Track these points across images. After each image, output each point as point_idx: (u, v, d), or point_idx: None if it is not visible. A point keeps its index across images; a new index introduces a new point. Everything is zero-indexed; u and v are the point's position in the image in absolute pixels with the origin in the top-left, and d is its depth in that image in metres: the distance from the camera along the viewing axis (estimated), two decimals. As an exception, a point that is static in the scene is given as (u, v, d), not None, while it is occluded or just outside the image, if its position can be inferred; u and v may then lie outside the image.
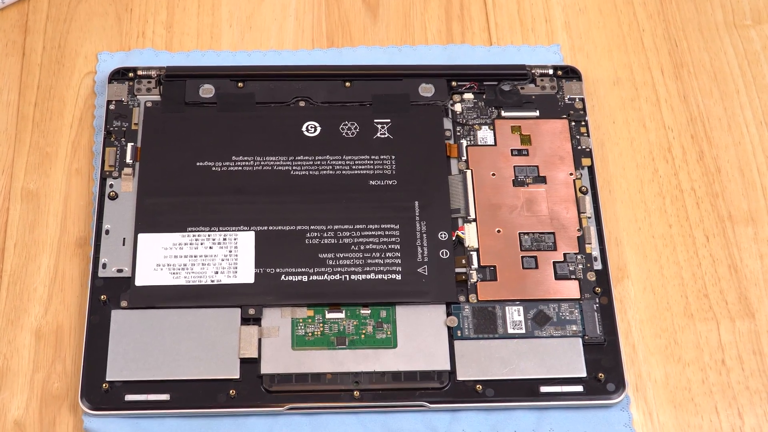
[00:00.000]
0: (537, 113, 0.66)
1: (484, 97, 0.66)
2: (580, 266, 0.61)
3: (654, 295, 0.62)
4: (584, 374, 0.58)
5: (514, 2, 0.72)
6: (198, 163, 0.62)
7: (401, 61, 0.69)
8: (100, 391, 0.56)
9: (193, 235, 0.60)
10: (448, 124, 0.65)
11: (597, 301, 0.60)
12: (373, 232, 0.61)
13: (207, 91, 0.66)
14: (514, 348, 0.58)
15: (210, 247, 0.60)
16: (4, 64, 0.68)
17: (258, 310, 0.59)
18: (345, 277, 0.60)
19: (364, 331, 0.59)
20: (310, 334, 0.58)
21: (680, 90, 0.69)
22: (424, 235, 0.61)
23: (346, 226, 0.61)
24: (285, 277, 0.59)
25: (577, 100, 0.66)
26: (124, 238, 0.61)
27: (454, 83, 0.67)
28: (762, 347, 0.60)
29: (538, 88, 0.67)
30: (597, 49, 0.71)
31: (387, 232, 0.61)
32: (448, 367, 0.57)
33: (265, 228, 0.61)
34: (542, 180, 0.64)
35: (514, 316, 0.59)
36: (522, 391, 0.57)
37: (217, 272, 0.59)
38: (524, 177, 0.64)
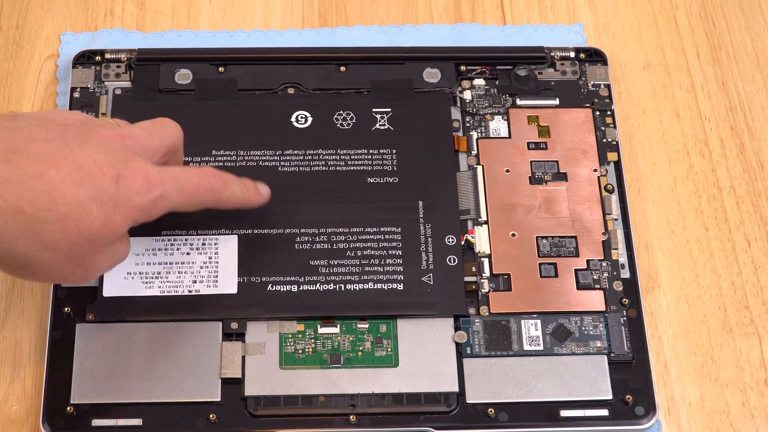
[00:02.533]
0: (557, 101, 0.66)
1: (497, 83, 0.67)
2: (606, 275, 0.61)
3: (689, 307, 0.62)
4: (610, 396, 0.58)
5: (531, -24, 0.72)
6: (174, 158, 0.63)
7: (403, 43, 0.69)
8: (64, 415, 0.57)
9: (168, 240, 0.60)
10: (456, 113, 0.66)
11: (624, 313, 0.60)
12: (372, 236, 0.61)
13: (183, 76, 0.66)
14: (531, 367, 0.58)
15: (187, 253, 0.60)
16: (-46, 45, 0.68)
17: (241, 324, 0.59)
18: (340, 287, 0.60)
19: (361, 348, 0.59)
20: (300, 352, 0.59)
21: (718, 75, 0.69)
22: (430, 240, 0.61)
23: (340, 230, 0.61)
24: (272, 286, 0.60)
25: (602, 86, 0.67)
26: (91, 243, 0.61)
27: (463, 68, 0.67)
28: (810, 366, 0.61)
29: (558, 73, 0.67)
30: (624, 29, 0.71)
31: (387, 236, 0.61)
32: (456, 389, 0.58)
33: (250, 231, 0.61)
34: (563, 177, 0.64)
35: (531, 330, 0.59)
36: (540, 415, 0.57)
37: (195, 281, 0.60)
38: (542, 173, 0.64)
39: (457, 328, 0.59)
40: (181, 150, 0.57)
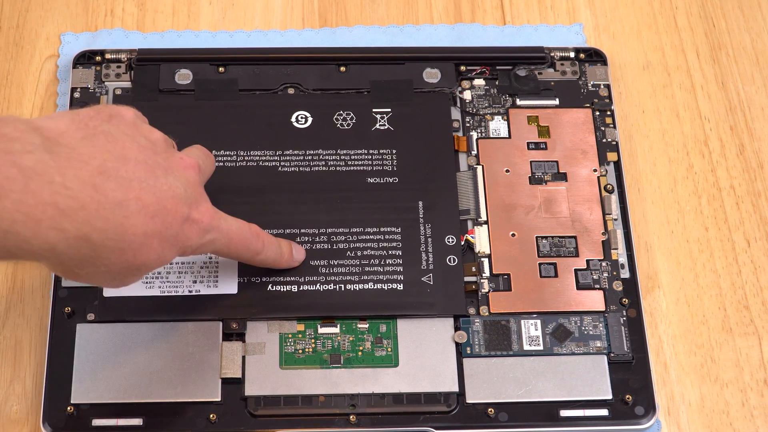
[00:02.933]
0: (557, 102, 0.66)
1: (496, 83, 0.67)
2: (605, 275, 0.61)
3: (688, 307, 0.62)
4: (610, 396, 0.58)
5: (531, -24, 0.72)
6: (174, 158, 0.63)
7: (403, 43, 0.69)
8: (65, 415, 0.57)
9: (169, 240, 0.61)
10: (456, 113, 0.66)
11: (624, 313, 0.60)
12: (372, 236, 0.61)
13: (184, 76, 0.66)
14: (531, 367, 0.59)
15: (188, 253, 0.60)
16: (-45, 46, 0.68)
17: (242, 324, 0.59)
18: (340, 287, 0.60)
19: (361, 348, 0.59)
20: (300, 351, 0.59)
21: (718, 75, 0.69)
22: (429, 240, 0.61)
23: (341, 230, 0.61)
24: (272, 287, 0.60)
25: (602, 86, 0.67)
26: (91, 243, 0.61)
27: (463, 68, 0.67)
28: (810, 366, 0.61)
29: (558, 73, 0.67)
30: (624, 29, 0.71)
31: (387, 236, 0.61)
32: (456, 389, 0.58)
33: (250, 231, 0.61)
34: (562, 177, 0.64)
35: (531, 330, 0.60)
36: (540, 415, 0.57)
37: (195, 281, 0.60)
38: (542, 174, 0.64)
39: (457, 328, 0.59)
40: None
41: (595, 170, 0.64)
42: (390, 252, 0.61)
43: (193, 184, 0.50)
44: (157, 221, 0.47)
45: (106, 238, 0.45)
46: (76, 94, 0.65)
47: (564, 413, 0.57)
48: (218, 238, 0.52)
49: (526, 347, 0.59)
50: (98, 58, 0.66)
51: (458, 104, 0.66)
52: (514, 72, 0.67)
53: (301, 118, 0.65)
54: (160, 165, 0.48)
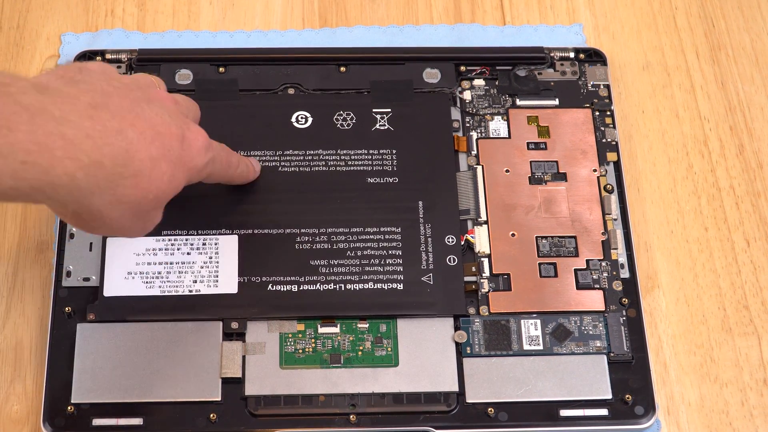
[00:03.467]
0: (556, 102, 0.66)
1: (496, 83, 0.67)
2: (605, 274, 0.61)
3: (688, 307, 0.62)
4: (610, 396, 0.58)
5: (531, -24, 0.72)
6: (174, 158, 0.63)
7: (403, 43, 0.69)
8: (65, 415, 0.57)
9: (169, 240, 0.61)
10: (456, 114, 0.66)
11: (624, 313, 0.60)
12: (372, 236, 0.61)
13: (184, 76, 0.66)
14: (531, 366, 0.59)
15: (188, 253, 0.60)
16: (-45, 46, 0.68)
17: (242, 324, 0.59)
18: (340, 287, 0.60)
19: (361, 348, 0.59)
20: (300, 351, 0.59)
21: (718, 75, 0.69)
22: (429, 240, 0.61)
23: (341, 230, 0.61)
24: (272, 286, 0.60)
25: (602, 86, 0.67)
26: (91, 243, 0.61)
27: (463, 68, 0.67)
28: (809, 365, 0.61)
29: (558, 74, 0.67)
30: (624, 29, 0.71)
31: (387, 236, 0.61)
32: (456, 388, 0.58)
33: (250, 231, 0.61)
34: (562, 177, 0.64)
35: (531, 330, 0.60)
36: (539, 414, 0.57)
37: (195, 281, 0.60)
38: (542, 174, 0.64)
39: (456, 328, 0.59)
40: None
41: (594, 170, 0.64)
42: (390, 252, 0.61)
43: (173, 112, 0.52)
44: (158, 144, 0.49)
45: (118, 164, 0.47)
46: (77, 94, 0.65)
47: (564, 413, 0.57)
48: (216, 156, 0.55)
49: (526, 347, 0.59)
50: (99, 58, 0.66)
51: (458, 104, 0.66)
52: (513, 72, 0.67)
53: (302, 118, 0.65)
54: (140, 98, 0.50)
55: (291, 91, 0.66)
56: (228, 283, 0.60)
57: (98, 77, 0.50)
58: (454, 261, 0.61)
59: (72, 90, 0.47)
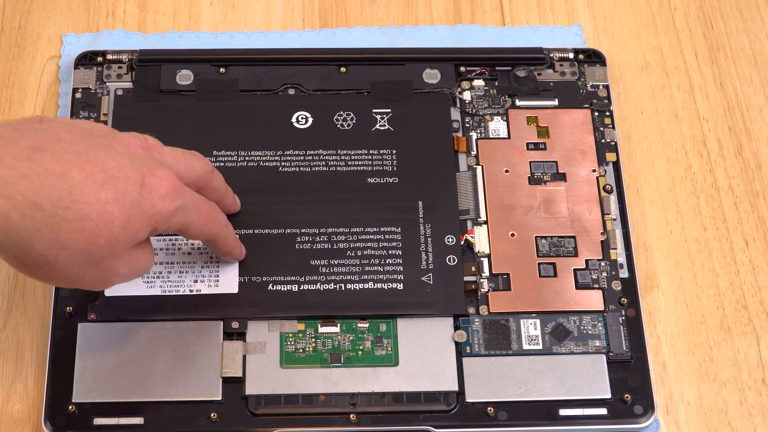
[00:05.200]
0: (556, 102, 0.66)
1: (496, 84, 0.67)
2: (604, 274, 0.61)
3: (687, 307, 0.62)
4: (609, 395, 0.58)
5: (530, -23, 0.72)
6: (175, 159, 0.63)
7: (403, 44, 0.69)
8: (66, 414, 0.57)
9: (170, 240, 0.61)
10: (455, 114, 0.66)
11: (623, 313, 0.60)
12: (372, 236, 0.61)
13: (185, 77, 0.66)
14: (530, 366, 0.59)
15: (188, 253, 0.60)
16: (-43, 46, 0.68)
17: (242, 324, 0.59)
18: (340, 287, 0.60)
19: (361, 347, 0.59)
20: (300, 351, 0.59)
21: (716, 76, 0.69)
22: (429, 240, 0.61)
23: (341, 230, 0.61)
24: (272, 286, 0.60)
25: (601, 87, 0.67)
26: (93, 243, 0.61)
27: (462, 68, 0.67)
28: (808, 365, 0.61)
29: (557, 74, 0.67)
30: (623, 30, 0.71)
31: (387, 236, 0.61)
32: (455, 388, 0.58)
33: (250, 231, 0.61)
34: (562, 177, 0.64)
35: (530, 330, 0.60)
36: (539, 414, 0.57)
37: (196, 281, 0.60)
38: (541, 174, 0.64)
39: (456, 328, 0.59)
40: (210, 188, 0.57)
41: (594, 170, 0.64)
42: (390, 252, 0.61)
43: (140, 157, 0.50)
44: (109, 188, 0.47)
45: (59, 207, 0.45)
46: (78, 95, 0.65)
47: (563, 412, 0.57)
48: (188, 206, 0.51)
49: (526, 347, 0.59)
50: (100, 58, 0.66)
51: (458, 105, 0.66)
52: (513, 73, 0.67)
53: (302, 118, 0.65)
54: (98, 143, 0.48)
55: (291, 91, 0.66)
56: (228, 282, 0.60)
57: (58, 126, 0.48)
58: (453, 261, 0.61)
59: (13, 135, 0.46)
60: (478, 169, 0.64)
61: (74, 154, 0.47)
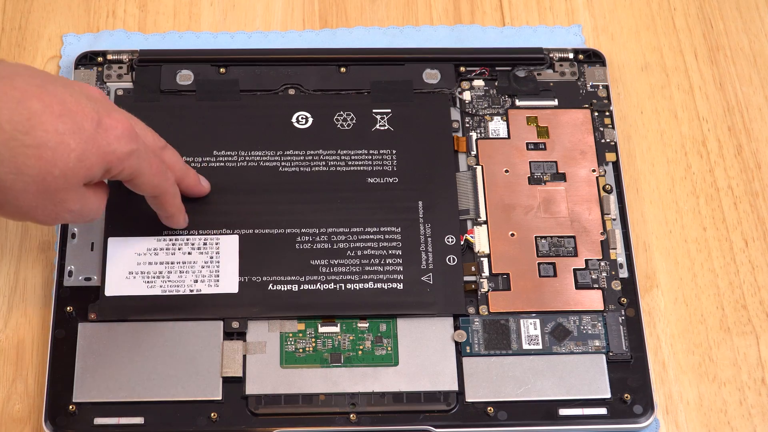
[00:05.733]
0: (555, 102, 0.66)
1: (496, 84, 0.67)
2: (604, 274, 0.61)
3: (686, 307, 0.62)
4: (608, 395, 0.58)
5: (530, -23, 0.72)
6: (175, 159, 0.63)
7: (403, 44, 0.69)
8: (67, 414, 0.57)
9: (170, 240, 0.61)
10: (455, 114, 0.66)
11: (623, 313, 0.60)
12: (372, 236, 0.61)
13: (185, 77, 0.66)
14: (530, 366, 0.59)
15: (189, 253, 0.60)
16: (-43, 46, 0.68)
17: (243, 324, 0.59)
18: (340, 287, 0.60)
19: (361, 347, 0.59)
20: (300, 351, 0.59)
21: (716, 76, 0.69)
22: (429, 240, 0.61)
23: (341, 229, 0.61)
24: (273, 286, 0.60)
25: (601, 87, 0.67)
26: (93, 243, 0.61)
27: (462, 68, 0.67)
28: (807, 365, 0.61)
29: (557, 74, 0.67)
30: (623, 30, 0.71)
31: (387, 236, 0.61)
32: (455, 388, 0.58)
33: (251, 231, 0.61)
34: (561, 177, 0.64)
35: (530, 330, 0.60)
36: (539, 413, 0.57)
37: (196, 281, 0.60)
38: (541, 174, 0.64)
39: (456, 328, 0.59)
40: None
41: (593, 170, 0.64)
42: (390, 252, 0.61)
43: (98, 99, 0.51)
44: (66, 120, 0.48)
45: (18, 130, 0.46)
46: (78, 95, 0.65)
47: (563, 412, 0.57)
48: (141, 152, 0.52)
49: (525, 346, 0.59)
50: (100, 59, 0.66)
51: (458, 105, 0.66)
52: (513, 73, 0.67)
53: (302, 118, 0.65)
54: (58, 80, 0.49)
55: (291, 91, 0.66)
56: (229, 282, 0.60)
57: (16, 64, 0.49)
58: (453, 261, 0.61)
59: None
60: (478, 169, 0.64)
61: (33, 86, 0.47)
